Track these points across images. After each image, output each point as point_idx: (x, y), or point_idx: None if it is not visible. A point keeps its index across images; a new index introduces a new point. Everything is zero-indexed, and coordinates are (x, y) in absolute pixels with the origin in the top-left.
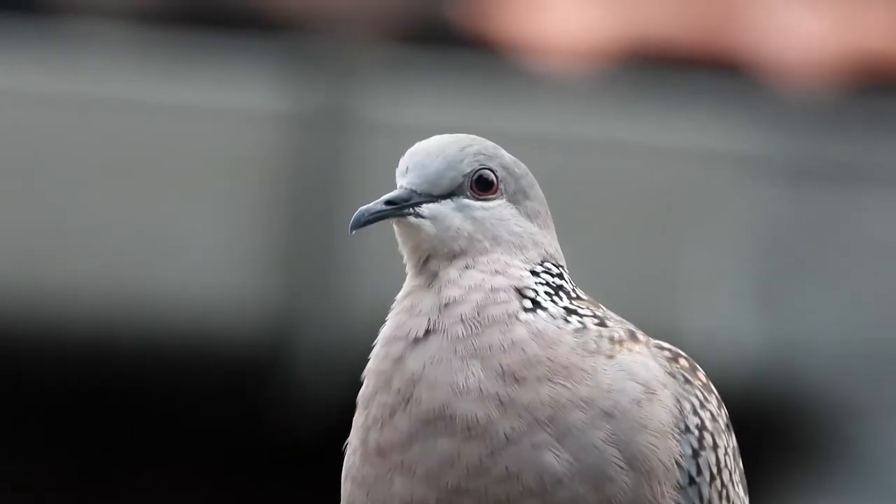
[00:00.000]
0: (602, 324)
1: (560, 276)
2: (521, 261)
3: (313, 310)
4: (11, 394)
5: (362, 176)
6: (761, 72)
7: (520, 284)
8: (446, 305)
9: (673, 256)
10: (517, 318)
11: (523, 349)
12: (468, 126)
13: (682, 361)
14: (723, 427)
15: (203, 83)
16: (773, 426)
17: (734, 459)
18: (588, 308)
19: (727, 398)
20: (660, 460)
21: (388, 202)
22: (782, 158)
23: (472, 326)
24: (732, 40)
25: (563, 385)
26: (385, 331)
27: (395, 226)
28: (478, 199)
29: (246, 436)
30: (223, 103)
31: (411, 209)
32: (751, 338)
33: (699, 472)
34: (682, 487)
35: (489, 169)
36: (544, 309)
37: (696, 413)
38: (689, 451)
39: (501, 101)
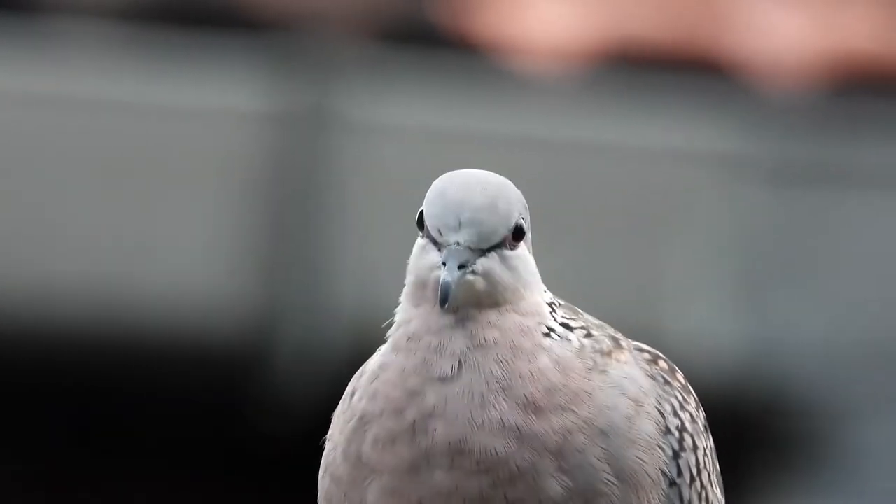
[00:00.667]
0: (588, 334)
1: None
2: (541, 295)
3: (294, 309)
4: None
5: (343, 175)
6: (743, 73)
7: (546, 321)
8: (481, 346)
9: (655, 258)
10: (541, 346)
11: (548, 377)
12: (449, 126)
13: (662, 363)
14: (701, 428)
15: (183, 82)
16: (755, 427)
17: (712, 460)
18: (574, 318)
19: (708, 399)
20: (646, 473)
21: (460, 266)
22: (764, 159)
23: (507, 363)
24: (714, 41)
25: (572, 411)
26: (399, 361)
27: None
28: (512, 249)
29: (226, 435)
30: (204, 102)
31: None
32: (732, 339)
33: (679, 473)
34: (666, 496)
35: (523, 218)
36: (553, 330)
37: (676, 415)
38: (671, 453)
39: (482, 101)
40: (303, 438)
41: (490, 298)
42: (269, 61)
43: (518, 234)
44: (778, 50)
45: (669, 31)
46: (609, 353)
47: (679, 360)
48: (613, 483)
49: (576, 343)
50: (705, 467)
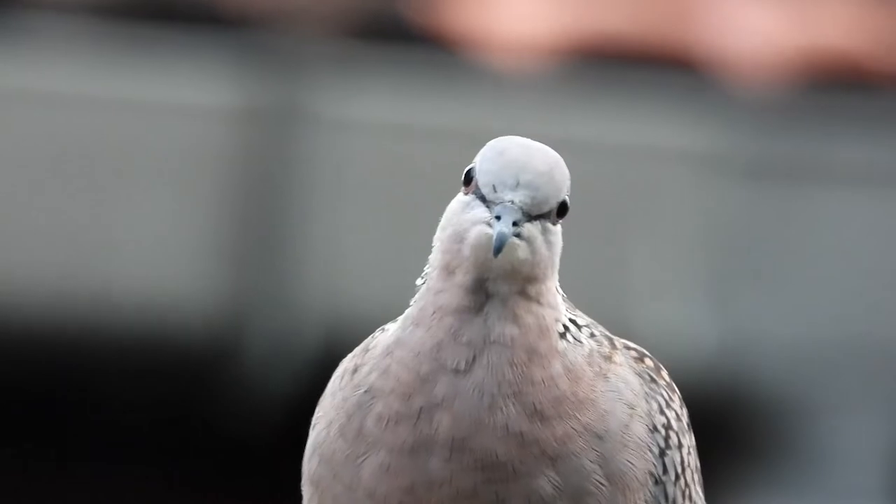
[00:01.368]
0: (592, 334)
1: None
2: (555, 281)
3: (263, 305)
4: None
5: (313, 171)
6: (715, 69)
7: (562, 317)
8: (498, 343)
9: (626, 253)
10: (556, 350)
11: (558, 385)
12: (420, 122)
13: (648, 361)
14: (685, 426)
15: (154, 78)
16: (724, 423)
17: (695, 458)
18: (575, 313)
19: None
20: (635, 476)
21: (514, 223)
22: (736, 156)
23: (520, 367)
24: (686, 37)
25: (576, 418)
26: (415, 340)
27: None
28: (554, 224)
29: (195, 431)
30: (174, 98)
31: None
32: (703, 335)
33: (665, 471)
34: (652, 495)
35: (567, 195)
36: (567, 329)
37: (662, 413)
38: (657, 451)
39: (453, 97)
40: (272, 433)
41: (525, 268)
42: (240, 57)
43: (562, 209)
44: (750, 46)
45: (642, 27)
46: (609, 357)
47: None
48: (603, 484)
49: (586, 347)
50: (689, 465)
